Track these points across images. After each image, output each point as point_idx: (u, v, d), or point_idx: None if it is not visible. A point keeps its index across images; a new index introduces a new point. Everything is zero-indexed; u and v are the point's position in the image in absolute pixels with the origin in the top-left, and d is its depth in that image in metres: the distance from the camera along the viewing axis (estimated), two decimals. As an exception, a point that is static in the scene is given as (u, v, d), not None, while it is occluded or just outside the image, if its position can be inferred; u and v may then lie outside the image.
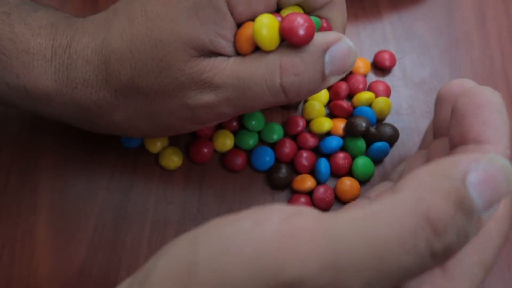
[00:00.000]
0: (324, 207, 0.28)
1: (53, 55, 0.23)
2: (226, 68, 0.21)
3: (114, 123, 0.23)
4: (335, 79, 0.21)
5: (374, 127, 0.30)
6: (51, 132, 0.30)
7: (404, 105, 0.32)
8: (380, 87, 0.31)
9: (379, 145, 0.29)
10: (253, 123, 0.28)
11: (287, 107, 0.31)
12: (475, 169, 0.11)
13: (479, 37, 0.34)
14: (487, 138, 0.13)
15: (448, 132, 0.16)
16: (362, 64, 0.32)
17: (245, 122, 0.28)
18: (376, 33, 0.34)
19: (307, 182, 0.28)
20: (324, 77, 0.21)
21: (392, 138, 0.30)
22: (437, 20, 0.35)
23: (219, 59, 0.21)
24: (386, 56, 0.32)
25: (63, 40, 0.23)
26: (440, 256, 0.10)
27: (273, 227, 0.11)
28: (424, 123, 0.32)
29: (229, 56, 0.21)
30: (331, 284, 0.10)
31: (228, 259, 0.11)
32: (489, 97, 0.16)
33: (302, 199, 0.28)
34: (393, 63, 0.32)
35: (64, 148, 0.29)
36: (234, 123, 0.29)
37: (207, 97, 0.21)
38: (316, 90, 0.21)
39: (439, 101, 0.22)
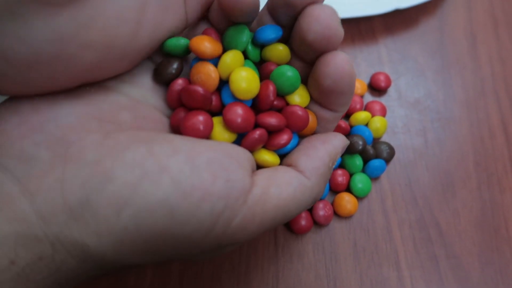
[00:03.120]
0: (323, 222, 0.29)
1: None
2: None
3: None
4: None
5: (371, 145, 0.32)
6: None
7: (399, 124, 0.34)
8: (376, 107, 0.33)
9: (376, 162, 0.30)
10: None
11: None
12: (337, 156, 0.20)
13: (470, 59, 0.36)
14: (341, 110, 0.21)
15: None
16: (359, 85, 0.34)
17: None
18: (372, 55, 0.36)
19: None
20: None
21: (388, 156, 0.31)
22: (430, 43, 0.37)
23: None
24: (381, 78, 0.34)
25: None
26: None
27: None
28: (418, 141, 0.33)
29: None
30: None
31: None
32: (349, 84, 0.19)
33: (303, 214, 0.29)
34: (388, 84, 0.34)
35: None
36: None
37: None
38: None
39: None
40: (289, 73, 0.20)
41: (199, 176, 0.16)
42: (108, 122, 0.17)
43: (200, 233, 0.16)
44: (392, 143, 0.33)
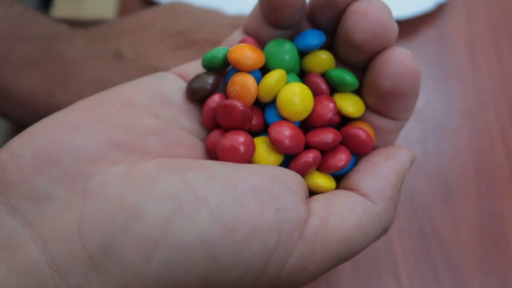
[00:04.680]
0: None
1: None
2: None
3: None
4: None
5: None
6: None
7: (400, 133, 0.34)
8: None
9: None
10: None
11: None
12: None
13: (470, 69, 0.36)
14: (404, 118, 0.18)
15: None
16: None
17: None
18: (372, 65, 0.36)
19: None
20: None
21: None
22: (430, 53, 0.37)
23: None
24: (381, 87, 0.34)
25: None
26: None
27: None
28: (418, 150, 0.33)
29: None
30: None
31: None
32: (414, 84, 0.16)
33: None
34: (388, 94, 0.34)
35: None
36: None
37: None
38: None
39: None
40: (348, 78, 0.17)
41: (243, 206, 0.13)
42: (134, 150, 0.15)
43: (249, 278, 0.14)
44: (392, 153, 0.33)
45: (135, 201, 0.13)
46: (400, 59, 0.16)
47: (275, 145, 0.16)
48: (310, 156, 0.16)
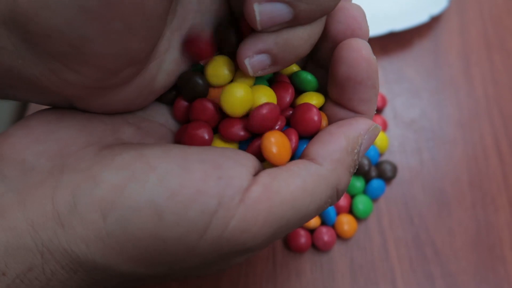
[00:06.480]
0: (322, 247, 0.30)
1: None
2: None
3: None
4: None
5: (375, 164, 0.32)
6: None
7: (395, 143, 0.34)
8: (377, 121, 0.34)
9: (376, 183, 0.31)
10: None
11: None
12: (363, 141, 0.18)
13: (464, 81, 0.37)
14: (364, 110, 0.18)
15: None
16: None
17: None
18: (368, 76, 0.37)
19: (312, 220, 0.30)
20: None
21: (392, 174, 0.32)
22: (425, 65, 0.37)
23: None
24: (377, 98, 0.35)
25: None
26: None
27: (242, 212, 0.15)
28: (414, 160, 0.34)
29: None
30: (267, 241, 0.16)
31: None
32: (368, 71, 0.17)
33: (301, 232, 0.30)
34: (384, 105, 0.35)
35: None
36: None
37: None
38: None
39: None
40: (309, 76, 0.19)
41: (189, 173, 0.15)
42: (109, 136, 0.18)
43: (193, 236, 0.15)
44: (388, 163, 0.33)
45: (98, 171, 0.15)
46: (355, 45, 0.17)
47: (224, 135, 0.18)
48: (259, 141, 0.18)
